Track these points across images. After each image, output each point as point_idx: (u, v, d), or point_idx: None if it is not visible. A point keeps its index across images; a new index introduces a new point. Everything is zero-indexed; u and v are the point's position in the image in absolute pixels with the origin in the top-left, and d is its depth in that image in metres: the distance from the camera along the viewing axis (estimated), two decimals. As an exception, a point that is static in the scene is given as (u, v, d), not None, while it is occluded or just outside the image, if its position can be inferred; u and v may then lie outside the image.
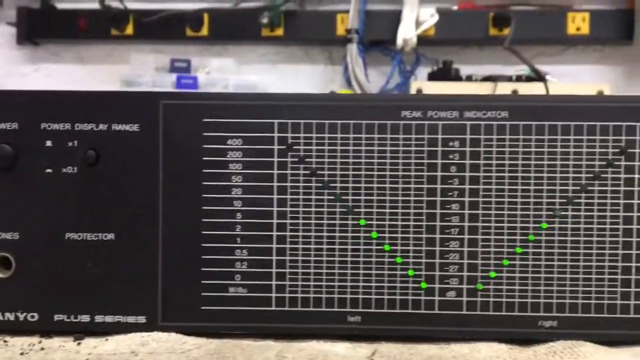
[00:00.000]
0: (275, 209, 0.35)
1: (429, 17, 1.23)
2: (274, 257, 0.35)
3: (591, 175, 0.34)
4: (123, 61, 1.31)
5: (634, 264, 0.34)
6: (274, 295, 0.35)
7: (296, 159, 0.35)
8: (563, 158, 0.35)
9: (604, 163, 0.34)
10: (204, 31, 1.30)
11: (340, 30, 1.28)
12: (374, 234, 0.35)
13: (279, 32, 1.29)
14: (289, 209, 0.35)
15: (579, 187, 0.34)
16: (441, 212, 0.35)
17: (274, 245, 0.35)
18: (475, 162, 0.35)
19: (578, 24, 1.26)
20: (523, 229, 0.35)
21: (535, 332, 0.35)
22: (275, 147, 0.35)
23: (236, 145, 0.35)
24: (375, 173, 0.35)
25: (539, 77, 1.08)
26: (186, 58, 1.28)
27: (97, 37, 1.32)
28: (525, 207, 0.35)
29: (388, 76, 1.26)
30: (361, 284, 0.35)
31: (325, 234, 0.35)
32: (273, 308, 0.35)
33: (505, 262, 0.35)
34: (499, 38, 1.21)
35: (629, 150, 0.34)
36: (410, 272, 0.35)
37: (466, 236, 0.35)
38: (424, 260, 0.35)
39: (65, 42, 1.36)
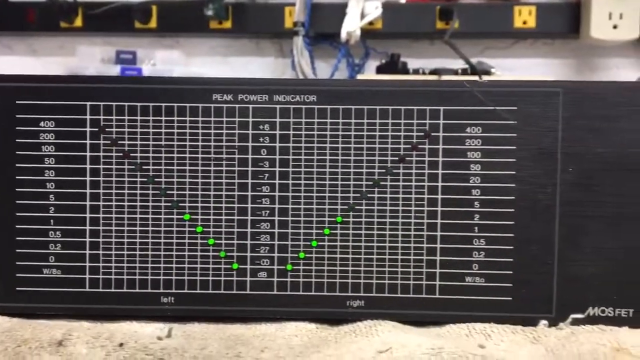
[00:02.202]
0: (88, 191, 0.35)
1: (374, 9, 1.23)
2: (88, 239, 0.35)
3: (397, 158, 0.35)
4: (75, 53, 1.31)
5: (438, 245, 0.35)
6: (87, 276, 0.35)
7: (109, 142, 0.35)
8: (369, 141, 0.35)
9: (409, 146, 0.35)
10: (152, 23, 1.30)
11: (289, 23, 1.28)
12: (187, 216, 0.35)
13: (228, 24, 1.29)
14: (101, 191, 0.35)
15: (384, 170, 0.35)
16: (252, 194, 0.35)
17: (87, 227, 0.35)
18: (285, 145, 0.35)
19: (524, 17, 1.26)
20: (331, 210, 0.35)
21: (343, 312, 0.35)
22: (88, 129, 0.35)
23: (49, 127, 0.35)
24: (188, 156, 0.35)
25: (474, 70, 1.09)
26: (132, 50, 1.28)
27: (48, 29, 1.32)
28: (333, 190, 0.35)
29: (333, 69, 1.27)
30: (174, 265, 0.35)
31: (138, 216, 0.35)
32: (87, 289, 0.36)
33: (314, 244, 0.35)
34: (446, 32, 1.22)
35: (433, 134, 0.35)
36: (222, 254, 0.35)
37: (276, 218, 0.35)
38: (235, 242, 0.35)
39: (17, 35, 1.36)
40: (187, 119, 0.35)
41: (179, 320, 0.36)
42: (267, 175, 0.35)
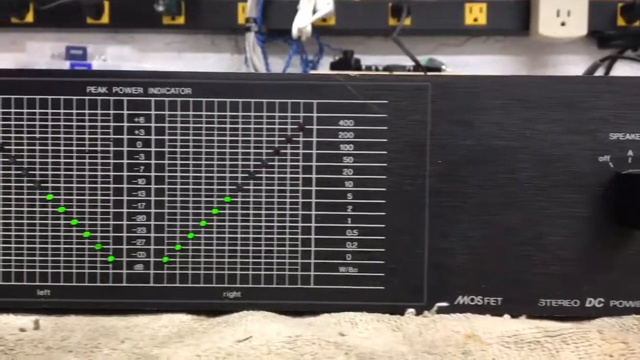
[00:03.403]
0: (-39, 184, 0.35)
1: (325, 5, 1.24)
2: (-38, 232, 0.35)
3: (271, 150, 0.35)
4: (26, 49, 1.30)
5: (313, 236, 0.35)
6: (-38, 269, 0.35)
7: (-18, 135, 0.35)
8: (244, 134, 0.35)
9: (284, 139, 0.35)
10: (105, 19, 1.29)
11: (242, 19, 1.28)
12: (62, 209, 0.35)
13: (181, 20, 1.29)
14: (-25, 184, 0.35)
15: (260, 162, 0.35)
16: (128, 187, 0.35)
17: (-39, 220, 0.35)
18: (160, 137, 0.35)
19: (475, 14, 1.28)
20: (207, 202, 0.35)
21: (220, 303, 0.36)
22: (-39, 122, 0.35)
23: None
24: (62, 149, 0.35)
25: (420, 67, 1.10)
26: (82, 45, 1.27)
27: (-1, 25, 1.31)
28: (209, 182, 0.35)
29: (285, 65, 1.27)
30: (50, 258, 0.35)
31: (13, 209, 0.35)
32: (-39, 282, 0.35)
33: (191, 235, 0.36)
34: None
35: (307, 127, 0.35)
36: (98, 246, 0.35)
37: (153, 210, 0.36)
38: (111, 234, 0.36)
39: (-32, 31, 1.34)
40: (61, 111, 0.35)
41: (56, 313, 0.36)
42: (142, 167, 0.35)
